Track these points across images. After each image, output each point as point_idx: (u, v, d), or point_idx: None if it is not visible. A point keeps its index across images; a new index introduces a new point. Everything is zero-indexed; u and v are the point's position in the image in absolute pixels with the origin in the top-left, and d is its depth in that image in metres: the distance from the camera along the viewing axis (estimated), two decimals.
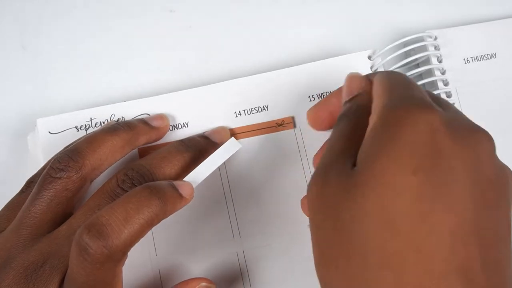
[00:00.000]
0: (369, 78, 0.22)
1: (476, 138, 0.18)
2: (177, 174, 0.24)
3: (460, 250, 0.16)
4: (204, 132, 0.28)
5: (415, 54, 0.30)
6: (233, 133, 0.28)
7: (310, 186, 0.19)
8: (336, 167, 0.18)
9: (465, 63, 0.30)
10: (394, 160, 0.17)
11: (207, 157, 0.26)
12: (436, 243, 0.16)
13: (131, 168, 0.23)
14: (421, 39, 0.30)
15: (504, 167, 0.18)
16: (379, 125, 0.18)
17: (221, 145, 0.27)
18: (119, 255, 0.20)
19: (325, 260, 0.18)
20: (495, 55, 0.30)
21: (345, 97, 0.23)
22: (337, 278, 0.17)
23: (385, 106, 0.18)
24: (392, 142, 0.17)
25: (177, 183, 0.23)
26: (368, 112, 0.20)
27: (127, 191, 0.22)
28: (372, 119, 0.19)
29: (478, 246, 0.16)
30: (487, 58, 0.30)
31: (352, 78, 0.23)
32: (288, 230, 0.27)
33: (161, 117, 0.28)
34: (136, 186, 0.22)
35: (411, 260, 0.16)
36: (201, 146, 0.26)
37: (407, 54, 0.30)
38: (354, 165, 0.18)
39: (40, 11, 0.32)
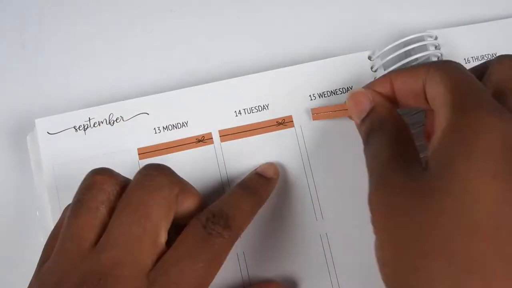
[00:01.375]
0: (374, 88, 0.24)
1: None
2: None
3: None
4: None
5: (415, 54, 0.29)
6: (233, 132, 0.28)
7: (372, 198, 0.20)
8: (398, 175, 0.19)
9: (466, 63, 0.30)
10: (473, 165, 0.17)
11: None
12: None
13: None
14: (421, 39, 0.30)
15: None
16: (451, 130, 0.19)
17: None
18: (231, 245, 0.22)
19: (402, 262, 0.18)
20: (495, 55, 0.30)
21: (356, 117, 0.25)
22: (417, 279, 0.17)
23: (454, 109, 0.19)
24: (469, 148, 0.18)
25: (261, 169, 0.27)
26: (393, 120, 0.22)
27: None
28: (440, 123, 0.19)
29: None
30: (488, 58, 0.30)
31: (357, 96, 0.25)
32: (288, 228, 0.27)
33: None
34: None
35: (498, 266, 0.16)
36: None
37: (407, 54, 0.30)
38: (420, 169, 0.19)
39: (40, 11, 0.33)
